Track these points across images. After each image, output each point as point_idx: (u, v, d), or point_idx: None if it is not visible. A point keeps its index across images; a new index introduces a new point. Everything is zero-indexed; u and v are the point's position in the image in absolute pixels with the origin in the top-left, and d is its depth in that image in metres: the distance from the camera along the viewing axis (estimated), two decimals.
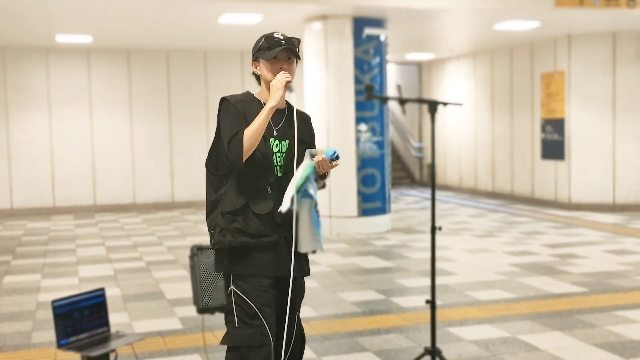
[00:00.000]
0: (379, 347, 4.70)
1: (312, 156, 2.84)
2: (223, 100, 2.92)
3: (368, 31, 9.65)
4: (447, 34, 12.06)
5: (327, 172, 2.88)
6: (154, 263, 7.83)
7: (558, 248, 8.40)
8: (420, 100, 3.97)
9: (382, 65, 9.83)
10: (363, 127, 9.68)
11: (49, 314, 5.17)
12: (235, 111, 2.87)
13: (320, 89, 9.78)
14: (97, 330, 3.88)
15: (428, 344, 4.52)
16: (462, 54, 14.93)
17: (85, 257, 8.25)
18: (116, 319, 5.38)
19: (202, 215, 11.49)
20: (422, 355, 4.03)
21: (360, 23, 9.60)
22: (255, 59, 2.95)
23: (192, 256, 3.94)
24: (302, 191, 2.80)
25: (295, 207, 2.79)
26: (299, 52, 2.94)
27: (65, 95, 12.77)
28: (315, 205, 2.86)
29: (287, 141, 2.93)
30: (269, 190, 2.86)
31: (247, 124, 2.82)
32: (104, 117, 12.98)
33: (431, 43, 13.32)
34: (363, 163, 9.73)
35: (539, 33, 11.55)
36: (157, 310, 5.75)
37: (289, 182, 2.84)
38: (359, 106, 9.66)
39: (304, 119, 3.06)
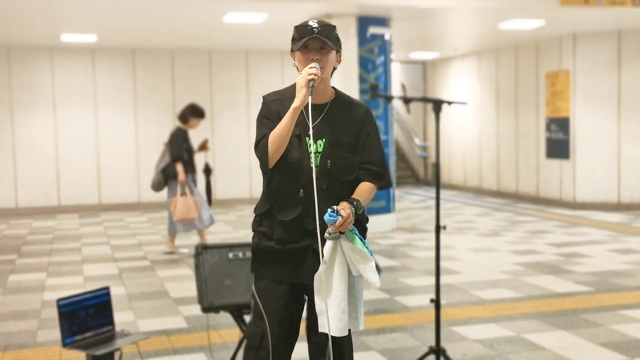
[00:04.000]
0: (383, 346, 4.69)
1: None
2: (263, 99, 2.80)
3: (372, 30, 9.64)
4: (452, 32, 12.05)
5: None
6: (159, 262, 7.84)
7: (563, 247, 8.38)
8: (424, 99, 3.97)
9: (386, 64, 9.82)
10: None
11: (54, 313, 5.18)
12: (267, 111, 2.73)
13: None
14: (102, 329, 3.88)
15: (433, 343, 4.52)
16: (466, 52, 14.90)
17: (90, 256, 8.27)
18: (121, 317, 5.39)
19: None
20: (426, 354, 4.03)
21: (364, 22, 9.59)
22: (292, 49, 2.74)
23: (197, 255, 3.94)
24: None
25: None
26: (337, 40, 2.70)
27: (70, 95, 12.79)
28: (363, 242, 2.63)
29: (323, 140, 2.69)
30: (301, 194, 2.66)
31: None
32: (108, 116, 13.00)
33: (436, 42, 13.31)
34: None
35: (544, 32, 11.53)
36: (162, 309, 5.76)
37: (325, 186, 2.66)
38: None
39: (351, 114, 2.77)
